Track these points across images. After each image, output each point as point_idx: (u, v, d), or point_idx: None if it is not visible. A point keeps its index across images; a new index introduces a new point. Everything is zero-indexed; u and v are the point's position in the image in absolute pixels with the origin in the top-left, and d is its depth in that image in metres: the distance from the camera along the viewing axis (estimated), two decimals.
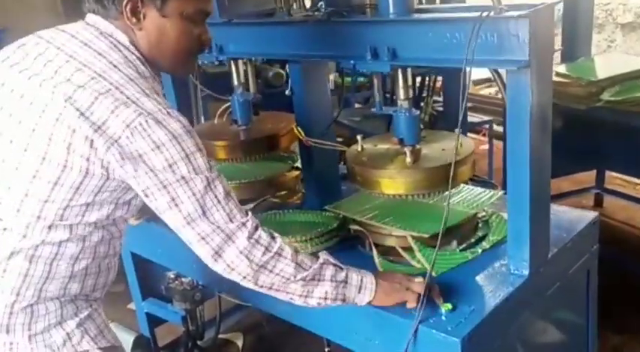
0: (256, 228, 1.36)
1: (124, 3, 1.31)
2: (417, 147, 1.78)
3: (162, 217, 1.34)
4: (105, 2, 1.34)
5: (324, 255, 1.48)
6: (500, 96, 5.54)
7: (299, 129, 1.86)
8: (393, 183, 1.72)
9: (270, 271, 1.37)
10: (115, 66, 1.29)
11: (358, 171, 1.78)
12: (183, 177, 1.27)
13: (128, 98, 1.24)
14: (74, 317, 1.41)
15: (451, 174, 1.53)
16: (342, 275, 1.45)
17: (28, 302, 1.35)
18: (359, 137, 1.90)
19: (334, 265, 1.45)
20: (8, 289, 1.34)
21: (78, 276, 1.39)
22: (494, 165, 4.80)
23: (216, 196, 1.31)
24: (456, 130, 1.62)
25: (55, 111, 1.24)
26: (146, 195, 1.30)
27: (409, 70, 1.73)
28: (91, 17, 1.37)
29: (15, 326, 1.35)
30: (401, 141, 1.76)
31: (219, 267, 1.37)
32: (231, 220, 1.33)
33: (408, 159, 1.73)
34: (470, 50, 1.39)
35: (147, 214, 2.15)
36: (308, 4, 2.01)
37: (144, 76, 1.33)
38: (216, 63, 2.10)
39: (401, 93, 1.75)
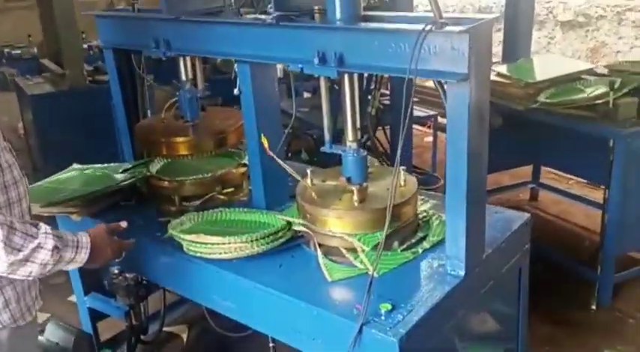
0: None
1: None
2: (364, 185, 1.83)
3: None
4: None
5: (42, 234, 1.44)
6: None
7: (266, 138, 1.86)
8: (340, 222, 1.77)
9: None
10: None
11: (308, 209, 1.82)
12: None
13: None
14: None
15: (388, 216, 1.59)
16: (56, 256, 1.45)
17: None
18: (309, 171, 1.93)
19: (53, 249, 1.44)
20: None
21: None
22: (438, 158, 4.94)
23: None
24: (396, 170, 1.66)
25: None
26: None
27: (357, 110, 1.79)
28: None
29: None
30: (349, 180, 1.82)
31: None
32: None
33: (355, 198, 1.79)
34: (413, 62, 1.44)
35: (87, 211, 2.14)
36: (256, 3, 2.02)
37: None
38: (164, 58, 2.08)
39: (349, 135, 1.81)
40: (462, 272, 1.66)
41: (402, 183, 1.86)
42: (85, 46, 5.27)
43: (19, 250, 1.39)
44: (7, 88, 5.77)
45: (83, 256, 1.53)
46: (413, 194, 1.83)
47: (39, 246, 1.42)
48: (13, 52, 7.03)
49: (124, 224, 1.78)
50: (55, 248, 1.44)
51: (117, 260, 1.76)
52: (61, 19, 4.17)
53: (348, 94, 1.78)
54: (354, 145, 1.82)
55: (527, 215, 2.00)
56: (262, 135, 1.88)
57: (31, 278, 1.48)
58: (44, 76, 4.73)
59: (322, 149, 1.88)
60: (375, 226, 1.75)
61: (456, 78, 1.44)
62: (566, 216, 4.13)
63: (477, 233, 1.70)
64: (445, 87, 1.52)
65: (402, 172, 1.85)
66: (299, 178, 1.89)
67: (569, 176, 4.44)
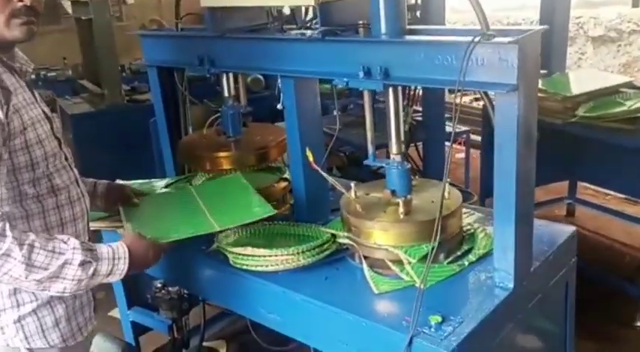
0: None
1: None
2: (408, 197, 1.83)
3: None
4: None
5: (71, 249, 1.39)
6: (475, 105, 5.68)
7: (311, 151, 1.89)
8: (386, 234, 1.77)
9: None
10: None
11: (352, 221, 1.83)
12: None
13: None
14: (13, 310, 1.43)
15: (436, 227, 1.58)
16: (89, 271, 1.41)
17: None
18: (352, 184, 1.93)
19: (81, 264, 1.39)
20: None
21: None
22: (470, 174, 4.91)
23: None
24: (443, 185, 1.67)
25: None
26: None
27: (402, 122, 1.81)
28: None
29: None
30: (393, 193, 1.82)
31: None
32: None
33: (401, 210, 1.79)
34: (462, 73, 1.45)
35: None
36: (299, 19, 2.05)
37: None
38: (208, 76, 2.13)
39: (393, 148, 1.82)
40: (511, 285, 1.64)
41: (447, 196, 1.85)
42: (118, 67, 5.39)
43: (45, 268, 1.34)
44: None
45: (122, 267, 1.48)
46: (458, 206, 1.82)
47: (66, 263, 1.37)
48: (49, 74, 7.22)
49: None
50: (85, 263, 1.40)
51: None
52: (99, 41, 4.29)
53: (393, 108, 1.79)
54: (398, 158, 1.82)
55: (573, 228, 1.98)
56: (307, 148, 1.90)
57: (67, 294, 1.43)
58: (82, 97, 4.86)
59: (365, 162, 1.89)
60: (420, 238, 1.75)
61: (505, 89, 1.45)
62: (605, 232, 4.05)
63: (525, 245, 1.69)
64: (493, 99, 1.53)
65: (447, 185, 1.85)
66: (344, 190, 1.90)
67: (606, 191, 4.37)
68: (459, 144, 5.47)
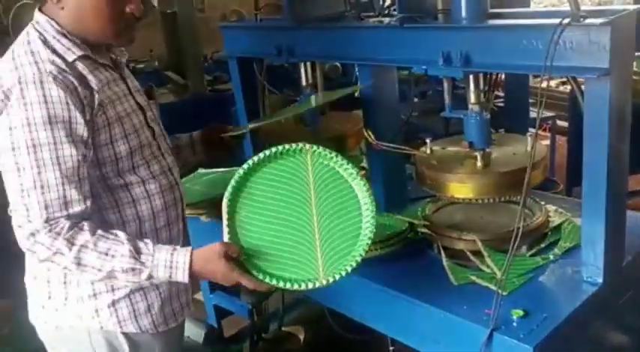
0: (72, 228, 1.34)
1: None
2: (488, 150, 1.77)
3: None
4: None
5: (118, 257, 1.37)
6: (562, 89, 5.41)
7: (369, 132, 1.88)
8: (463, 187, 1.73)
9: (58, 264, 1.36)
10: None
11: (428, 174, 1.80)
12: (33, 141, 1.31)
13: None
14: (108, 294, 1.48)
15: (527, 178, 1.50)
16: (142, 276, 1.38)
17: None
18: (427, 139, 1.91)
19: (131, 270, 1.37)
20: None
21: None
22: (556, 162, 4.70)
23: (54, 176, 1.33)
24: (528, 134, 1.61)
25: None
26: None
27: (481, 74, 1.73)
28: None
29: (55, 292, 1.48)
30: (471, 145, 1.77)
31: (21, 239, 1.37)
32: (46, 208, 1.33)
33: (479, 163, 1.74)
34: (549, 58, 1.38)
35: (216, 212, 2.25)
36: (377, 6, 2.02)
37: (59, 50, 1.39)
38: (287, 65, 2.15)
39: (472, 97, 1.75)
40: (600, 280, 1.56)
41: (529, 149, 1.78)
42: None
43: (99, 270, 1.36)
44: None
45: (181, 276, 1.39)
46: (542, 158, 1.74)
47: (114, 270, 1.36)
48: (137, 66, 7.55)
49: None
50: (134, 269, 1.37)
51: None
52: (183, 33, 4.44)
53: (474, 95, 1.74)
54: (477, 108, 1.76)
55: None
56: (364, 128, 1.88)
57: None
58: (168, 87, 5.05)
59: (442, 114, 1.84)
60: (499, 191, 1.70)
61: (596, 73, 1.37)
62: None
63: (616, 239, 1.60)
64: (583, 85, 1.45)
65: (529, 139, 1.77)
66: (415, 152, 1.88)
67: None
68: (544, 130, 5.24)
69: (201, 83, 4.49)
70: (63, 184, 1.33)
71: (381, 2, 1.97)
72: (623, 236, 1.63)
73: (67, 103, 1.33)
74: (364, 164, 2.26)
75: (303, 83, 2.27)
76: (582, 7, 1.41)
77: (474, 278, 1.65)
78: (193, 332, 2.45)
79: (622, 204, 1.59)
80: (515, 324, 1.45)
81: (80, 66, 1.40)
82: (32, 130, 1.31)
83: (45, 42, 1.39)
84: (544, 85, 1.44)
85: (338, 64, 4.64)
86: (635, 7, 1.42)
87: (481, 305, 1.54)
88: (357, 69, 1.96)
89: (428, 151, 1.88)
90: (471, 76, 1.72)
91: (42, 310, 1.52)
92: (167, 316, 1.57)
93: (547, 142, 5.00)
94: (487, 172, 1.72)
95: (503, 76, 3.92)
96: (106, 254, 1.36)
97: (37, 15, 1.43)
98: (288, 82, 3.27)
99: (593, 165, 1.49)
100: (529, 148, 1.74)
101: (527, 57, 1.49)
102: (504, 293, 1.53)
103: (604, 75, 1.37)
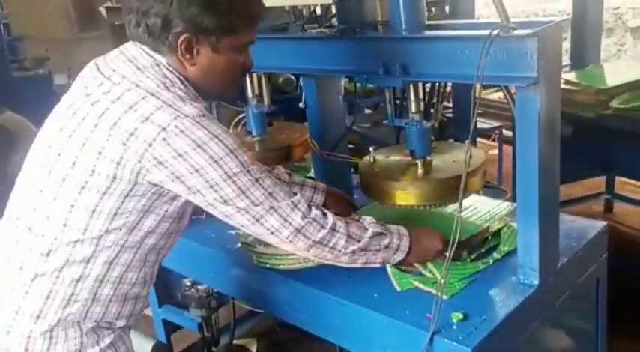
0: (309, 208, 1.47)
1: (179, 41, 1.34)
2: (428, 158, 1.82)
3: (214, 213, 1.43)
4: (156, 36, 1.35)
5: (372, 227, 1.57)
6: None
7: (313, 141, 1.90)
8: (405, 194, 1.76)
9: (325, 245, 1.49)
10: (166, 87, 1.34)
11: (371, 182, 1.82)
12: (228, 174, 1.33)
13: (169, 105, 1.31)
14: (95, 346, 1.43)
15: (462, 185, 1.55)
16: (385, 241, 1.58)
17: (48, 326, 1.37)
18: (371, 148, 1.94)
19: (380, 234, 1.58)
20: (29, 312, 1.37)
21: (101, 301, 1.41)
22: (504, 170, 4.82)
23: (262, 186, 1.40)
24: (467, 141, 1.65)
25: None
26: (193, 193, 1.35)
27: (420, 83, 1.78)
28: (137, 47, 1.40)
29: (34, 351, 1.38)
30: (412, 153, 1.81)
31: (280, 242, 1.49)
32: (280, 204, 1.42)
33: (420, 171, 1.78)
34: (480, 68, 1.43)
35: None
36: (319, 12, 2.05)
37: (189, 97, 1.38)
38: None
39: (412, 106, 1.79)
40: (536, 282, 1.61)
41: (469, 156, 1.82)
42: None
43: (359, 240, 1.54)
44: None
45: (406, 243, 1.63)
46: (480, 164, 1.79)
47: (373, 235, 1.57)
48: None
49: None
50: (382, 234, 1.60)
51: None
52: None
53: (414, 104, 1.78)
54: (417, 116, 1.80)
55: (602, 223, 1.93)
56: (309, 137, 1.91)
57: (368, 265, 1.61)
58: None
59: (385, 122, 1.88)
60: (440, 197, 1.75)
61: (525, 82, 1.42)
62: None
63: (551, 241, 1.66)
64: (513, 93, 1.51)
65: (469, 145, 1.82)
66: (357, 160, 1.91)
67: None
68: (492, 140, 5.39)
69: None
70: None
71: (321, 13, 2.00)
72: (557, 239, 1.69)
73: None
74: (311, 174, 2.28)
75: (249, 95, 2.28)
76: (512, 19, 1.47)
77: (416, 283, 1.68)
78: (142, 348, 2.40)
79: (555, 208, 1.65)
80: (455, 327, 1.48)
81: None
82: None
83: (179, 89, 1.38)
84: (484, 95, 1.49)
85: (292, 76, 4.66)
86: (561, 18, 1.49)
87: (424, 309, 1.56)
88: (301, 80, 1.98)
89: (371, 160, 1.91)
90: (411, 86, 1.76)
91: None
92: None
93: (495, 152, 5.15)
94: (428, 179, 1.77)
95: (449, 88, 4.06)
96: (361, 226, 1.57)
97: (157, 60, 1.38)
98: (241, 94, 3.28)
99: (525, 172, 1.54)
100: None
101: (462, 67, 1.53)
102: (445, 298, 1.57)
103: (533, 84, 1.42)
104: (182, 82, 1.39)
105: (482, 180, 1.83)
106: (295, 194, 1.49)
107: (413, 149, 1.80)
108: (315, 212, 1.48)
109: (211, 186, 1.33)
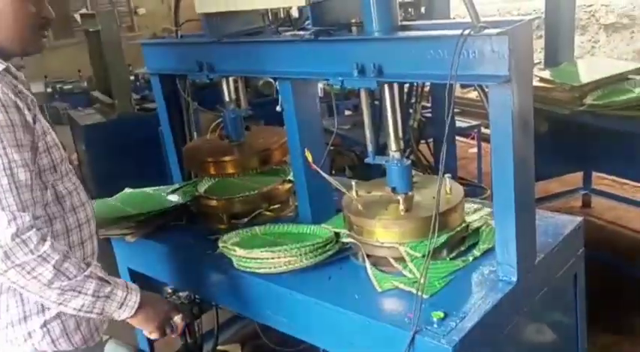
0: (29, 228, 1.34)
1: None
2: (409, 194, 1.83)
3: None
4: None
5: (94, 269, 1.47)
6: None
7: (308, 152, 1.89)
8: (387, 232, 1.77)
9: (28, 273, 1.34)
10: None
11: (354, 220, 1.83)
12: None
13: None
14: (39, 315, 1.47)
15: (433, 223, 1.56)
16: (106, 290, 1.46)
17: None
18: (353, 183, 1.95)
19: (101, 279, 1.46)
20: None
21: None
22: (483, 168, 4.87)
23: (12, 181, 1.33)
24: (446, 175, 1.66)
25: None
26: None
27: (399, 119, 1.80)
28: None
29: None
30: (394, 190, 1.82)
31: None
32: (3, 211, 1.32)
33: (402, 207, 1.79)
34: (454, 67, 1.44)
35: (141, 232, 2.20)
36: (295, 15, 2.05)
37: None
38: (207, 81, 2.14)
39: (392, 145, 1.82)
40: (514, 278, 1.63)
41: (448, 191, 1.85)
42: (132, 77, 5.47)
43: (70, 278, 1.39)
44: (61, 121, 6.02)
45: (135, 299, 1.52)
46: (459, 201, 1.81)
47: (90, 276, 1.43)
48: (65, 87, 7.33)
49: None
50: (104, 280, 1.47)
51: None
52: (108, 52, 4.35)
53: (389, 105, 1.79)
54: (397, 155, 1.82)
55: (579, 219, 1.95)
56: (306, 149, 1.91)
57: (81, 314, 1.47)
58: (95, 108, 4.93)
59: (366, 160, 1.89)
60: (422, 235, 1.74)
61: (498, 81, 1.44)
62: (623, 222, 3.98)
63: (528, 238, 1.67)
64: (487, 91, 1.52)
65: (448, 180, 1.84)
66: (344, 190, 1.90)
67: (623, 181, 4.30)
68: (471, 138, 5.43)
69: (128, 102, 4.40)
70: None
71: (296, 16, 2.00)
72: (534, 235, 1.71)
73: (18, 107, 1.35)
74: (290, 177, 2.27)
75: (226, 99, 2.27)
76: (483, 19, 1.48)
77: (396, 283, 1.69)
78: None
79: (530, 204, 1.67)
80: (435, 326, 1.49)
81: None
82: None
83: None
84: (458, 94, 1.50)
85: (272, 80, 4.66)
86: (531, 17, 1.51)
87: (405, 309, 1.58)
88: (276, 83, 1.97)
89: (354, 194, 1.91)
90: (391, 121, 1.77)
91: None
92: (92, 330, 1.60)
93: (474, 150, 5.19)
94: (410, 217, 1.78)
95: (428, 88, 4.08)
96: (79, 264, 1.43)
97: None
98: (220, 98, 3.27)
99: (500, 169, 1.55)
100: (448, 190, 1.84)
101: (435, 66, 1.54)
102: (426, 297, 1.58)
103: (505, 82, 1.44)
104: None
105: (462, 215, 1.85)
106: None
107: (394, 186, 1.81)
108: (31, 234, 1.33)
109: None
